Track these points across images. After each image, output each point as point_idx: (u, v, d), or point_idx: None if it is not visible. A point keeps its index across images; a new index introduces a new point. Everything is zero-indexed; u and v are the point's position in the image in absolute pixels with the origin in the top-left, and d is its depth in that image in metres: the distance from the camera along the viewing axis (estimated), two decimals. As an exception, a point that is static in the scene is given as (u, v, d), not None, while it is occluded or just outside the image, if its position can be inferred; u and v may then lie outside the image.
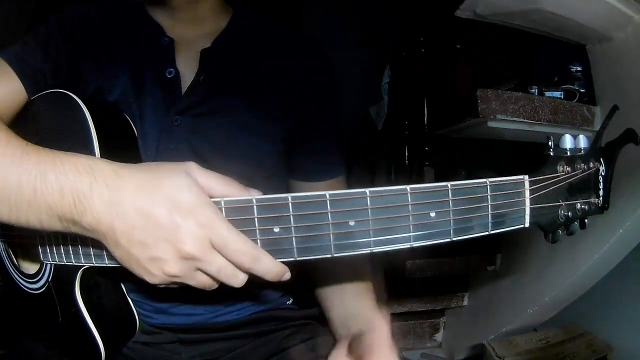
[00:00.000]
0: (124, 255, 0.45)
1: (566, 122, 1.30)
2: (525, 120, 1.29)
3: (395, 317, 1.71)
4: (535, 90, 1.35)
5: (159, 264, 0.43)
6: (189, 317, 0.71)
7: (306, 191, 0.45)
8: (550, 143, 0.49)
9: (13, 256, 0.69)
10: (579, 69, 1.37)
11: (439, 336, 1.78)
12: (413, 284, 1.65)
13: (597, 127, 1.25)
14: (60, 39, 0.69)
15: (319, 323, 0.77)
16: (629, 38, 1.17)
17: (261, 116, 0.71)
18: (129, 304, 0.66)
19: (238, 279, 0.45)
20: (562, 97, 1.35)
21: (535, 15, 1.20)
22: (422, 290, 1.70)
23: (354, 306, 0.69)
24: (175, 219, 0.42)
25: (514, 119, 1.28)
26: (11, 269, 0.69)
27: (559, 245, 1.30)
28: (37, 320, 0.67)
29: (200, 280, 0.45)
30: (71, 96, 0.60)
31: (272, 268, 0.45)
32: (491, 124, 1.28)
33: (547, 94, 1.35)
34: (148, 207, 0.42)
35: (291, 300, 0.80)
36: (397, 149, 1.99)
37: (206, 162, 0.49)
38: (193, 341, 0.71)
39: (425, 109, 1.83)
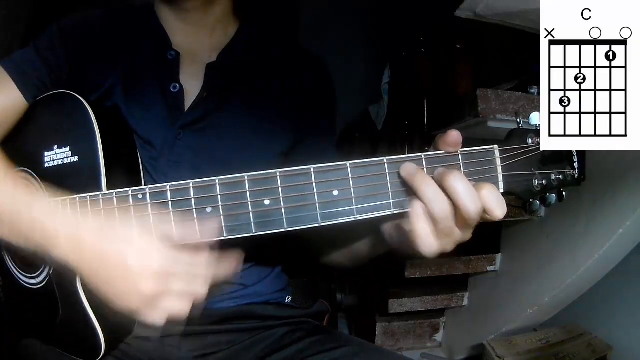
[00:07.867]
0: (94, 287, 0.51)
1: (566, 122, 1.30)
2: (526, 121, 1.28)
3: (395, 317, 1.71)
4: (535, 90, 1.35)
5: (126, 297, 0.49)
6: None
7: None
8: (519, 119, 0.51)
9: (13, 251, 0.69)
10: (579, 69, 1.37)
11: (439, 336, 1.78)
12: (413, 284, 1.65)
13: (597, 127, 1.25)
14: (62, 48, 0.69)
15: (317, 322, 0.77)
16: (629, 38, 1.16)
17: (261, 131, 0.73)
18: None
19: (200, 292, 0.50)
20: (562, 97, 1.34)
21: (535, 15, 1.20)
22: (422, 290, 1.70)
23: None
24: (128, 263, 0.48)
25: (514, 119, 1.28)
26: (11, 265, 0.69)
27: (559, 245, 1.31)
28: (37, 316, 0.67)
29: (168, 308, 0.50)
30: (78, 98, 0.61)
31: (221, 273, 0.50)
32: (491, 124, 1.28)
33: (547, 94, 1.34)
34: (105, 254, 0.49)
35: (290, 299, 0.81)
36: (397, 149, 1.98)
37: (204, 175, 0.52)
38: (191, 334, 0.70)
39: (425, 109, 1.82)
